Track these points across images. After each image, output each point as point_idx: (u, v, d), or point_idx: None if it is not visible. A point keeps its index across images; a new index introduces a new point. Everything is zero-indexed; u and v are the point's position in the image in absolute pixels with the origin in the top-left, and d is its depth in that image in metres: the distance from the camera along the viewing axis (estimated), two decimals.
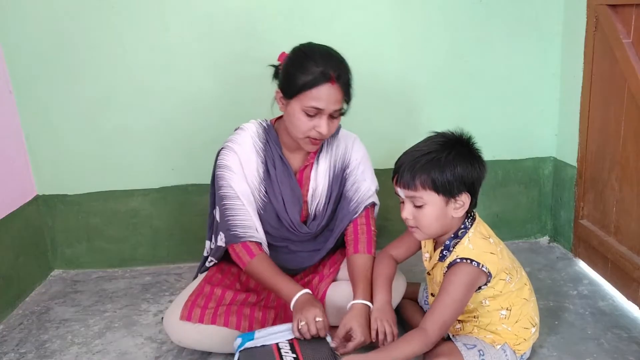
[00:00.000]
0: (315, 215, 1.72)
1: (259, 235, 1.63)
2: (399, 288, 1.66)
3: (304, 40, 2.03)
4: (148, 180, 2.24)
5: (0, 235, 1.98)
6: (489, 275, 1.41)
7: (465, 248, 1.41)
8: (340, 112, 1.57)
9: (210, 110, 2.15)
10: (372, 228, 1.71)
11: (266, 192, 1.67)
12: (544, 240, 2.36)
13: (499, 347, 1.47)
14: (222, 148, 1.67)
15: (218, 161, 1.67)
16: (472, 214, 1.49)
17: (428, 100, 2.19)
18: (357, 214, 1.70)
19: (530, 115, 2.22)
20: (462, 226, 1.45)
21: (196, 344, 1.60)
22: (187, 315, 1.58)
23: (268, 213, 1.68)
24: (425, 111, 2.20)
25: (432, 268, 1.52)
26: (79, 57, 2.08)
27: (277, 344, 1.46)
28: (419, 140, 1.47)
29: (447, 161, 1.36)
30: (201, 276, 1.75)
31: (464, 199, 1.40)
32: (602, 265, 1.97)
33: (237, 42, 2.08)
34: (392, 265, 1.63)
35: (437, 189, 1.37)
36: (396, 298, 1.65)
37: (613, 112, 1.84)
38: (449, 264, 1.41)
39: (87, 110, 2.14)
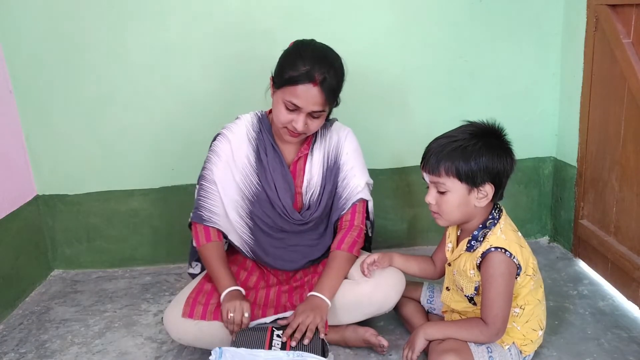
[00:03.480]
0: (309, 205, 1.74)
1: (222, 223, 1.71)
2: (398, 287, 1.65)
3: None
4: (148, 180, 2.24)
5: (0, 235, 1.98)
6: (518, 268, 1.42)
7: (498, 238, 1.42)
8: (324, 114, 1.60)
9: (210, 110, 2.15)
10: (355, 223, 1.73)
11: (259, 180, 1.70)
12: (544, 240, 2.36)
13: (507, 347, 1.48)
14: (217, 134, 1.75)
15: (211, 145, 1.75)
16: (499, 206, 1.50)
17: (428, 100, 2.19)
18: (344, 211, 1.73)
19: (530, 115, 2.22)
20: (490, 217, 1.46)
21: (196, 341, 1.61)
22: (190, 312, 1.58)
23: (262, 201, 1.71)
24: (425, 111, 2.20)
25: (455, 259, 1.52)
26: (79, 57, 2.08)
27: (272, 328, 1.51)
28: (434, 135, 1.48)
29: (473, 150, 1.38)
30: (200, 276, 1.76)
31: (488, 189, 1.40)
32: (602, 265, 1.97)
33: (237, 42, 2.08)
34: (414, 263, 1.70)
35: (460, 176, 1.38)
36: (395, 296, 1.65)
37: (613, 112, 1.84)
38: (482, 254, 1.42)
39: (87, 111, 2.15)
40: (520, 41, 2.14)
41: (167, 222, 2.28)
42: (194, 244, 1.73)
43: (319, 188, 1.73)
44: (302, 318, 1.50)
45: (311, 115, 1.58)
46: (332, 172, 1.74)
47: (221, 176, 1.70)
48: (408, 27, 2.11)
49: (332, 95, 1.58)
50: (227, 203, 1.70)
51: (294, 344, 1.46)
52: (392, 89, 2.16)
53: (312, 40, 1.62)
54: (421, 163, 1.46)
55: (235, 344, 1.48)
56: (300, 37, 2.05)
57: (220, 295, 1.65)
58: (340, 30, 2.08)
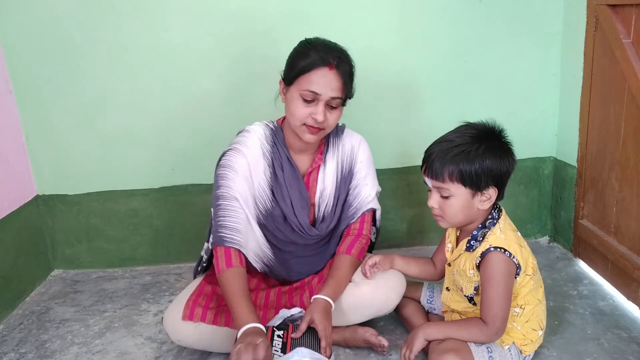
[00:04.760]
0: (323, 217, 1.71)
1: (244, 242, 1.56)
2: (398, 289, 1.65)
3: None
4: (148, 180, 2.24)
5: (0, 235, 1.98)
6: (518, 267, 1.42)
7: (497, 238, 1.42)
8: (340, 103, 1.55)
9: (210, 110, 2.15)
10: (364, 232, 1.71)
11: (273, 196, 1.65)
12: (544, 240, 2.36)
13: (507, 347, 1.48)
14: (228, 149, 1.63)
15: (222, 161, 1.62)
16: (498, 206, 1.50)
17: (428, 100, 2.19)
18: (353, 220, 1.71)
19: (530, 115, 2.22)
20: (490, 217, 1.46)
21: (196, 343, 1.60)
22: (189, 314, 1.57)
23: (275, 217, 1.66)
24: (425, 111, 2.20)
25: (455, 259, 1.52)
26: (79, 57, 2.08)
27: (273, 328, 1.51)
28: (449, 131, 1.47)
29: (477, 154, 1.37)
30: (200, 277, 1.74)
31: (491, 192, 1.41)
32: (602, 265, 1.97)
33: (237, 42, 2.08)
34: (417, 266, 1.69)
35: (465, 181, 1.38)
36: (395, 298, 1.65)
37: (613, 112, 1.84)
38: (482, 253, 1.42)
39: (87, 110, 2.15)
40: (520, 41, 2.14)
41: (167, 222, 2.28)
42: (216, 271, 1.54)
43: (332, 199, 1.70)
44: (325, 327, 1.48)
45: (329, 105, 1.53)
46: (346, 181, 1.71)
47: (241, 191, 1.58)
48: (408, 27, 2.11)
49: (348, 80, 1.55)
50: (251, 217, 1.60)
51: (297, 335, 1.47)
52: (392, 89, 2.16)
53: (318, 37, 1.60)
54: (422, 167, 1.45)
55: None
56: (301, 38, 2.05)
57: (221, 297, 1.64)
58: (341, 31, 2.06)
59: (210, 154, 2.18)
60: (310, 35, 1.89)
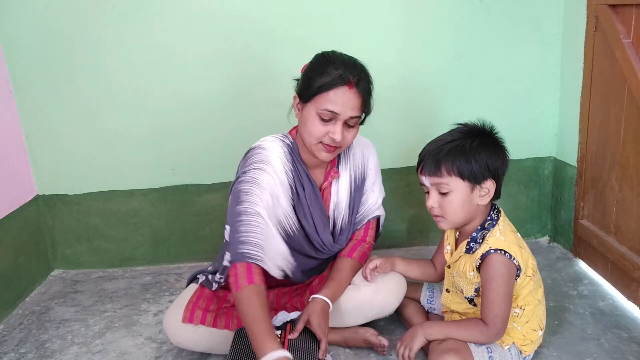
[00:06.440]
0: (341, 229, 1.70)
1: (266, 260, 1.45)
2: (398, 292, 1.65)
3: (304, 40, 2.05)
4: (148, 180, 2.24)
5: (0, 235, 1.98)
6: (518, 269, 1.42)
7: (497, 239, 1.42)
8: (358, 121, 1.53)
9: (210, 110, 2.15)
10: (367, 239, 1.71)
11: (297, 218, 1.62)
12: (544, 240, 2.36)
13: (507, 347, 1.48)
14: (251, 168, 1.52)
15: (245, 177, 1.51)
16: (496, 207, 1.50)
17: (428, 99, 2.19)
18: (359, 227, 1.71)
19: (530, 115, 2.22)
20: (489, 218, 1.46)
21: (196, 345, 1.61)
22: (189, 317, 1.57)
23: (298, 236, 1.63)
24: (425, 111, 2.20)
25: (454, 261, 1.52)
26: (79, 57, 2.08)
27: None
28: (429, 139, 1.48)
29: (472, 148, 1.39)
30: (196, 282, 1.71)
31: (489, 185, 1.41)
32: (602, 265, 1.97)
33: (237, 42, 2.08)
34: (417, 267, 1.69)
35: (463, 174, 1.39)
36: (395, 301, 1.64)
37: (613, 112, 1.84)
38: (482, 255, 1.42)
39: (87, 110, 2.14)
40: (520, 41, 2.14)
41: (167, 222, 2.28)
42: (233, 288, 1.39)
43: (347, 209, 1.69)
44: (322, 327, 1.48)
45: (347, 124, 1.49)
46: (360, 190, 1.70)
47: (267, 207, 1.49)
48: (408, 27, 2.11)
49: (367, 98, 1.50)
50: (275, 233, 1.51)
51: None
52: (392, 88, 2.16)
53: (334, 50, 1.54)
54: (418, 167, 1.46)
55: (234, 343, 1.48)
56: (300, 38, 2.06)
57: (222, 299, 1.64)
58: (340, 31, 2.08)
59: (210, 154, 2.19)
60: (312, 36, 1.89)
